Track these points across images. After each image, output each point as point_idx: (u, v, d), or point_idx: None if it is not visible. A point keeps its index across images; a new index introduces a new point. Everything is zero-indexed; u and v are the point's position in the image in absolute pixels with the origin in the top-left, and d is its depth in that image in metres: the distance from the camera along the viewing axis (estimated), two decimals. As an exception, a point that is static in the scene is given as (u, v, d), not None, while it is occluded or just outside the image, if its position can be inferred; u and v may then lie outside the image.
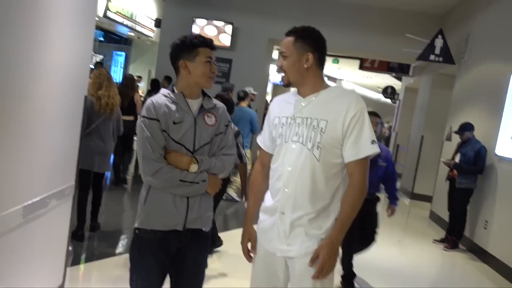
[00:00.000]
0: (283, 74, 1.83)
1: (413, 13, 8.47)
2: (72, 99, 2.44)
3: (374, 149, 1.77)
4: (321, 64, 1.85)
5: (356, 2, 8.44)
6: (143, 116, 1.84)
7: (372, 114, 3.41)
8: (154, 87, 7.58)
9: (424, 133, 8.68)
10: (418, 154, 8.70)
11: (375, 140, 1.79)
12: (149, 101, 1.87)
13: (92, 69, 4.54)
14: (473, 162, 5.24)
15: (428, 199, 7.75)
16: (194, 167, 1.85)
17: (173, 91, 1.91)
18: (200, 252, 1.99)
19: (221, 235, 4.23)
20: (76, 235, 3.78)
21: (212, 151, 1.94)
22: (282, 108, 1.90)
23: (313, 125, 1.76)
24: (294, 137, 1.80)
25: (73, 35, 2.34)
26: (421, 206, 7.78)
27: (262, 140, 2.01)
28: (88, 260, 3.68)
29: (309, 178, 1.76)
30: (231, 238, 4.26)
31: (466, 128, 5.45)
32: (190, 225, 1.89)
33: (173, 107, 1.86)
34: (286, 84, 1.85)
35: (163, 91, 1.92)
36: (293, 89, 1.94)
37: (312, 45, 1.82)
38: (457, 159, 5.49)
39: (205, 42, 1.88)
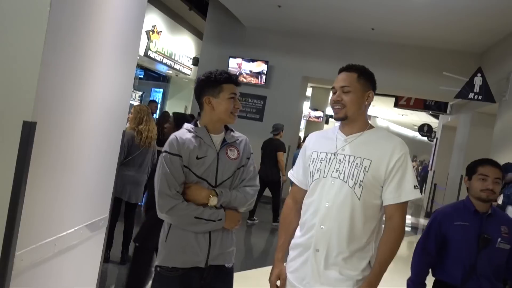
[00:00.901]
0: (339, 108, 1.81)
1: (450, 52, 8.38)
2: (111, 133, 2.52)
3: (416, 195, 1.74)
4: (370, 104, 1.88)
5: (391, 40, 8.46)
6: (165, 151, 1.85)
7: (489, 164, 2.37)
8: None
9: (464, 172, 8.37)
10: (458, 194, 8.37)
11: (417, 185, 1.76)
12: (172, 136, 1.89)
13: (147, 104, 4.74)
14: (518, 205, 4.97)
15: (469, 242, 7.37)
16: (213, 200, 1.83)
17: (196, 126, 1.93)
18: None
19: (237, 275, 4.14)
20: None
21: (234, 184, 1.93)
22: (321, 143, 1.89)
23: (356, 163, 1.75)
24: (334, 173, 1.77)
25: (116, 73, 2.45)
26: (461, 250, 7.41)
27: (295, 175, 2.00)
28: (118, 293, 3.68)
29: (348, 216, 1.72)
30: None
31: (508, 169, 5.21)
32: (213, 261, 1.86)
33: (196, 142, 1.86)
34: (342, 118, 1.82)
35: (187, 125, 1.94)
36: (328, 126, 1.95)
37: (373, 84, 1.86)
38: (499, 201, 5.23)
39: (230, 79, 1.90)
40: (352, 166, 1.74)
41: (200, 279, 1.86)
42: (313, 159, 1.86)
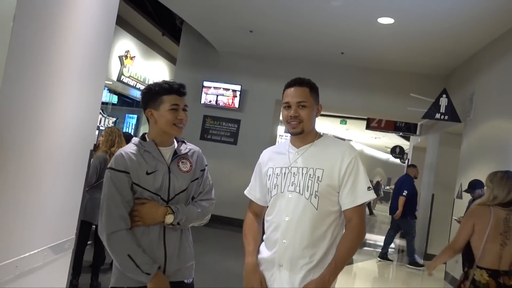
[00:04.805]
0: (296, 123, 1.83)
1: (417, 75, 8.69)
2: (78, 153, 2.47)
3: (371, 196, 1.80)
4: None
5: (360, 64, 8.71)
6: (111, 168, 1.75)
7: None
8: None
9: (435, 191, 8.55)
10: (430, 213, 8.51)
11: (371, 187, 1.82)
12: (118, 152, 1.80)
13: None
14: (486, 220, 5.09)
15: (442, 260, 7.46)
16: (169, 218, 1.74)
17: (144, 140, 1.85)
18: None
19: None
20: (70, 285, 3.74)
21: (189, 198, 1.87)
22: (275, 159, 1.93)
23: (309, 174, 1.79)
24: (290, 186, 1.81)
25: (83, 91, 2.43)
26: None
27: (252, 192, 2.03)
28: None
29: (308, 228, 1.76)
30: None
31: (475, 185, 5.36)
32: (170, 278, 1.78)
33: (145, 156, 1.79)
34: (299, 133, 1.84)
35: (134, 140, 1.87)
36: (281, 140, 1.99)
37: (318, 96, 1.92)
38: (468, 218, 5.34)
39: (170, 89, 1.80)
40: (306, 178, 1.78)
41: None
42: (269, 175, 1.89)
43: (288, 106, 1.85)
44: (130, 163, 1.76)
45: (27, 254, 1.98)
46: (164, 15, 10.02)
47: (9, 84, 1.69)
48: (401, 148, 14.97)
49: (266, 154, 2.01)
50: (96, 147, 4.37)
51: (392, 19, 6.08)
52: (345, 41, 7.46)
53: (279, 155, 1.92)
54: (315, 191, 1.76)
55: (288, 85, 1.90)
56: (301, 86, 1.87)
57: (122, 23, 9.16)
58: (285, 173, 1.84)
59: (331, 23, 6.64)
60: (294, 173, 1.82)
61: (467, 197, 5.79)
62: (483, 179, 5.42)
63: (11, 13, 1.64)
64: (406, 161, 13.30)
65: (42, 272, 2.16)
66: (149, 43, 10.86)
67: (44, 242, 2.15)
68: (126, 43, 9.64)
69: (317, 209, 1.76)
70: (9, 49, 1.66)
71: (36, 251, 2.06)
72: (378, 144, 20.76)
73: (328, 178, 1.77)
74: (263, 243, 1.92)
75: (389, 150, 16.73)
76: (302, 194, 1.78)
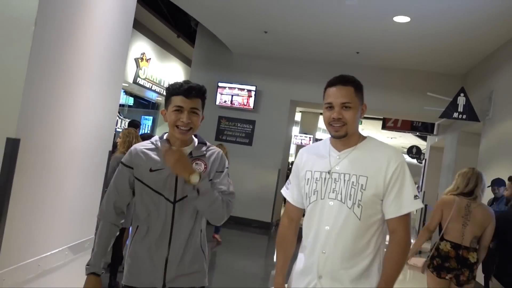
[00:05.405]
0: (340, 125, 1.68)
1: (434, 73, 8.58)
2: (97, 154, 2.52)
3: (417, 205, 1.66)
4: None
5: (376, 63, 8.64)
6: (121, 162, 1.82)
7: None
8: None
9: (453, 192, 8.43)
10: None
11: (418, 195, 1.68)
12: (132, 147, 1.85)
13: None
14: (506, 221, 5.02)
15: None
16: (195, 178, 1.64)
17: (161, 138, 1.85)
18: None
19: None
20: None
21: None
22: (314, 161, 1.77)
23: (352, 182, 1.65)
24: (331, 194, 1.67)
25: (101, 94, 2.47)
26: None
27: (289, 194, 1.88)
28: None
29: (350, 238, 1.63)
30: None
31: (501, 183, 5.28)
32: (171, 283, 1.73)
33: (154, 154, 1.78)
34: (343, 136, 1.70)
35: (153, 138, 1.88)
36: (320, 141, 1.84)
37: (363, 95, 1.76)
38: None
39: (177, 90, 1.77)
40: (348, 185, 1.64)
41: None
42: (308, 179, 1.75)
43: (330, 107, 1.70)
44: (135, 158, 1.77)
45: (48, 254, 2.02)
46: (179, 18, 10.10)
47: (31, 86, 1.73)
48: (418, 148, 14.81)
49: (304, 155, 1.85)
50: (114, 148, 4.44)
51: (408, 18, 6.01)
52: (360, 40, 7.41)
53: (318, 158, 1.76)
54: (358, 200, 1.62)
55: (330, 84, 1.73)
56: (345, 85, 1.70)
57: (138, 25, 9.26)
58: (325, 178, 1.70)
59: (346, 22, 6.60)
60: (335, 179, 1.68)
61: (485, 197, 5.69)
62: (503, 178, 5.35)
63: (33, 17, 1.68)
64: (423, 161, 13.14)
65: (62, 271, 2.20)
66: (164, 45, 10.96)
67: (65, 241, 2.19)
68: (141, 46, 9.74)
69: (360, 219, 1.63)
70: (31, 52, 1.70)
71: (57, 250, 2.11)
72: (395, 144, 20.55)
73: (372, 186, 1.63)
74: (301, 252, 1.80)
75: (405, 150, 16.55)
76: (344, 203, 1.64)
